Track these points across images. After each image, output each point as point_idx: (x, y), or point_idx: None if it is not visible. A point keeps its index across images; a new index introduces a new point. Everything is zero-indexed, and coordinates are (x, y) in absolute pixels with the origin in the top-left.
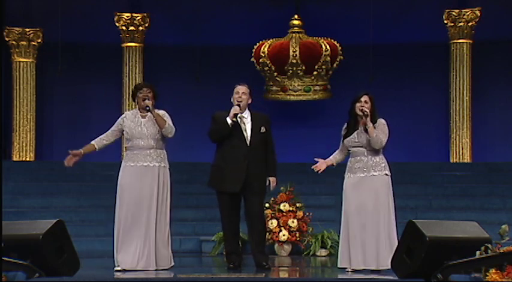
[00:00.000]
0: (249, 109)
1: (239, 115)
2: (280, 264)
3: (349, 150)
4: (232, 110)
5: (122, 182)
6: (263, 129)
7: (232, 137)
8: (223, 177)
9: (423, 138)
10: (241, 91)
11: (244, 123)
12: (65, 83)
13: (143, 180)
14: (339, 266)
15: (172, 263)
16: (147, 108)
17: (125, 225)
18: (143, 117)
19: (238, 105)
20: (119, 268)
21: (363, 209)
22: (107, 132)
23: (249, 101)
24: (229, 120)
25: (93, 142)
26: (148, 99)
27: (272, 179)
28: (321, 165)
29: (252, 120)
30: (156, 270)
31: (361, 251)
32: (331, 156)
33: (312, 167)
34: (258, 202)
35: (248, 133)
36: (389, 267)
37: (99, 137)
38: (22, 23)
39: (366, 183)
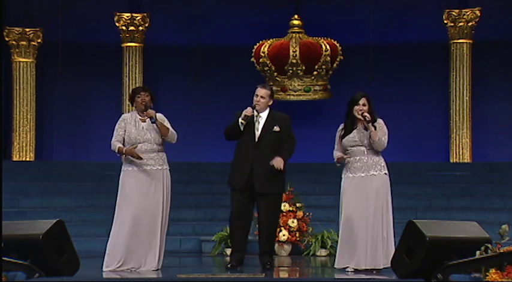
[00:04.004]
0: (270, 109)
1: (256, 115)
2: (280, 264)
3: (347, 150)
4: (244, 111)
5: (127, 187)
6: (276, 128)
7: (244, 136)
8: (232, 174)
9: (423, 138)
10: (260, 94)
11: (258, 122)
12: (65, 83)
13: (149, 184)
14: (336, 266)
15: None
16: (152, 121)
17: (130, 229)
18: (143, 121)
19: (254, 107)
20: (109, 269)
21: (364, 209)
22: (115, 137)
23: (270, 103)
24: (240, 120)
25: (119, 145)
26: (151, 108)
27: (277, 159)
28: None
29: (266, 119)
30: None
31: (364, 250)
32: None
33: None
34: (266, 203)
35: (258, 132)
36: (389, 266)
37: (114, 141)
38: (22, 23)
39: (366, 183)
